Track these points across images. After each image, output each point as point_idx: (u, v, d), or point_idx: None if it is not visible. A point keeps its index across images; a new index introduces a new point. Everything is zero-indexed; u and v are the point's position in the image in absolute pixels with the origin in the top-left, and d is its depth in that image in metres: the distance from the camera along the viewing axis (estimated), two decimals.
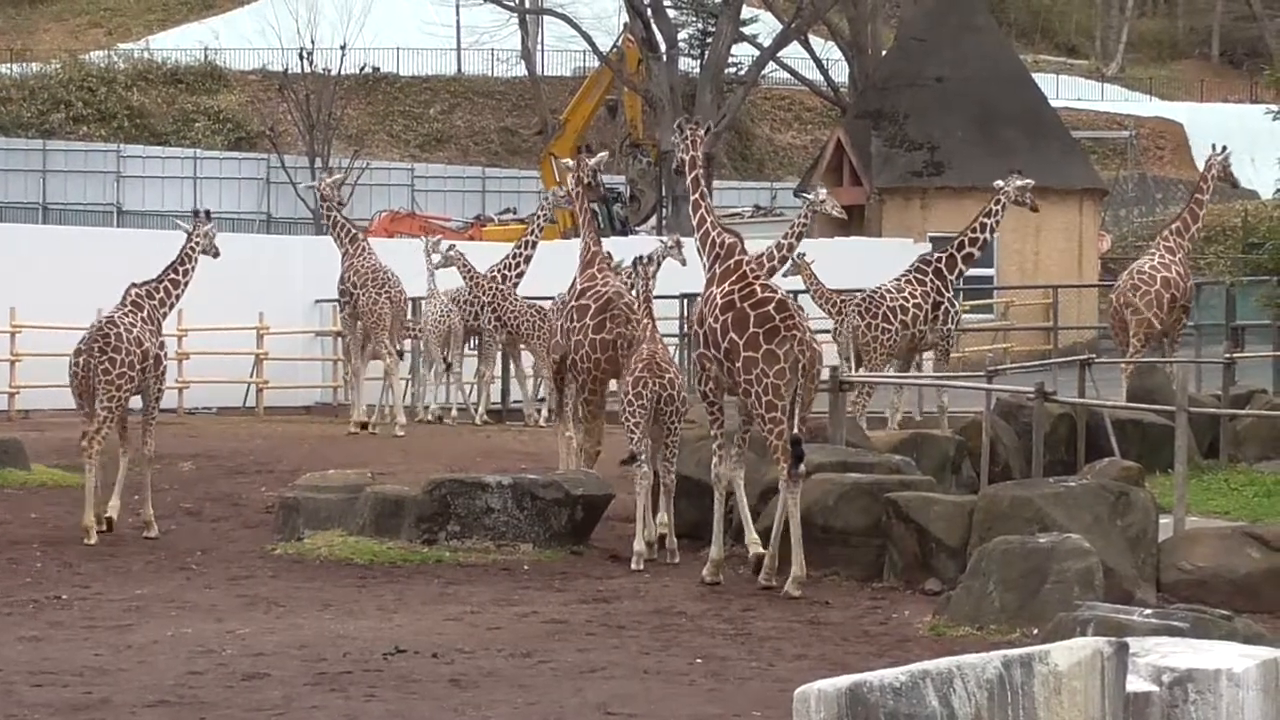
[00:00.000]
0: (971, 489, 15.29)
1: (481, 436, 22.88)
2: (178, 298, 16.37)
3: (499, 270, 24.38)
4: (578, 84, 56.31)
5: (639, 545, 14.18)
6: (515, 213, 54.89)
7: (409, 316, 24.27)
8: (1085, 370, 17.72)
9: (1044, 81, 53.95)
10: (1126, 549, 12.30)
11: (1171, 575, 12.33)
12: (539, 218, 22.76)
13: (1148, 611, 9.52)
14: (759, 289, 13.26)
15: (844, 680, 5.98)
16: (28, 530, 15.69)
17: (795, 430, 12.89)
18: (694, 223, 14.03)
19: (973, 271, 40.57)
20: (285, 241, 37.43)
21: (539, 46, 62.47)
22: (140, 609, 12.27)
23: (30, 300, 25.97)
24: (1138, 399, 18.41)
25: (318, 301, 29.87)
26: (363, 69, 60.05)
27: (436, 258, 24.83)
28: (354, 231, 23.32)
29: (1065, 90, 67.11)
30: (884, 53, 48.12)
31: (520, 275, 24.29)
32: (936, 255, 20.16)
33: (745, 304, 13.14)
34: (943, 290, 19.76)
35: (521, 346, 25.02)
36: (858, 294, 20.35)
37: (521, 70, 61.19)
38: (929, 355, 21.05)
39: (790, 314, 13.11)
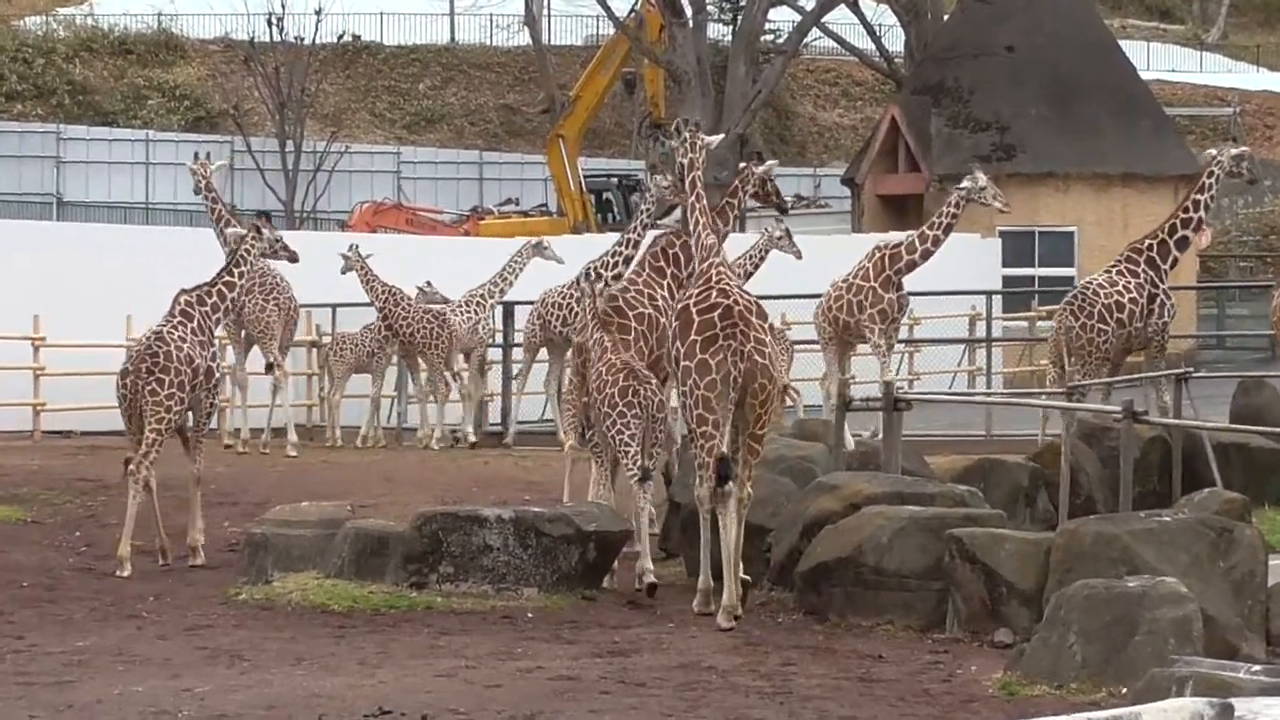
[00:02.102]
0: (1048, 524, 15.26)
1: (478, 463, 22.92)
2: (233, 302, 17.23)
3: (594, 269, 24.22)
4: (590, 55, 56.39)
5: (647, 562, 14.75)
6: (517, 204, 55.00)
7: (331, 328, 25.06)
8: (1182, 386, 17.68)
9: (1133, 50, 53.88)
10: (1230, 595, 12.27)
11: None
12: (643, 211, 22.75)
13: (1256, 668, 9.48)
14: (715, 293, 13.85)
15: None
16: None
17: (723, 448, 13.44)
18: (689, 225, 14.78)
19: (1050, 271, 40.65)
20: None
21: (545, 11, 62.55)
22: (83, 663, 12.28)
23: None
24: (1243, 419, 18.36)
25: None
26: (341, 37, 60.17)
27: (343, 263, 25.56)
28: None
29: (1158, 60, 67.04)
30: (945, 17, 48.12)
31: (617, 277, 23.88)
32: (1147, 242, 20.46)
33: (695, 309, 13.82)
34: (1157, 281, 20.14)
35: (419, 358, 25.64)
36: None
37: (525, 39, 61.23)
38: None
39: (734, 322, 13.62)
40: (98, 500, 19.45)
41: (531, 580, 14.44)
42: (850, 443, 17.51)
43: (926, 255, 20.52)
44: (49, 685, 11.56)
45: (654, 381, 15.25)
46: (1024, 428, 22.11)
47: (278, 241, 18.20)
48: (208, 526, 17.93)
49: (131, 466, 16.24)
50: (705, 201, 14.96)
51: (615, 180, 54.37)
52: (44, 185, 55.45)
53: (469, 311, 26.01)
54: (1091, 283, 20.38)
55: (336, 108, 59.90)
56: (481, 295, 26.14)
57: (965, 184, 20.40)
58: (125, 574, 15.83)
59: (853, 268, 20.91)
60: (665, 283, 17.06)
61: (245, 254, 17.31)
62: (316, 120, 57.65)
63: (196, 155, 26.23)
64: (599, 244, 26.26)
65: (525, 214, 52.42)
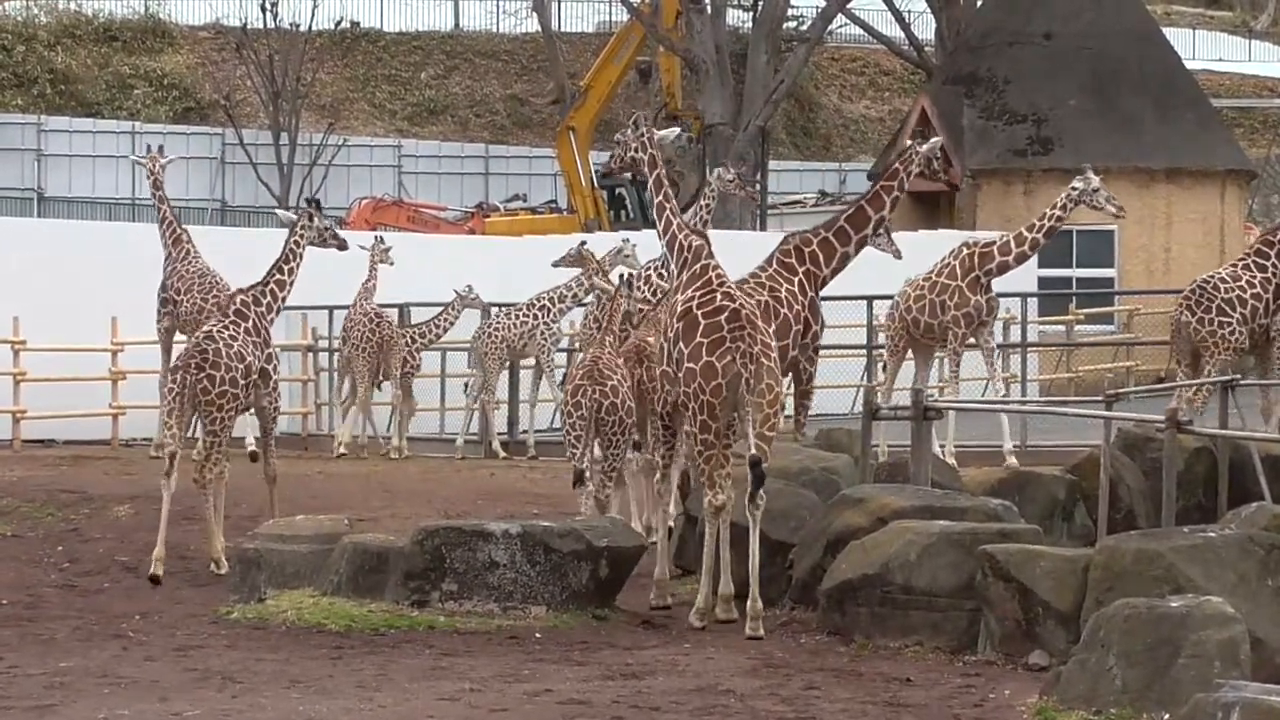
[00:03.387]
0: (1087, 540, 15.26)
1: (483, 474, 22.95)
2: (284, 300, 17.78)
3: (655, 270, 24.10)
4: (602, 43, 56.44)
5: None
6: (525, 200, 55.07)
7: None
8: (1228, 394, 17.68)
9: (1177, 38, 53.93)
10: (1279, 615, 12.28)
11: None
12: (704, 207, 22.69)
13: None
14: (719, 296, 14.44)
15: None
16: None
17: (754, 450, 14.05)
18: (660, 227, 15.20)
19: (1088, 272, 40.68)
20: (245, 235, 37.57)
21: None
22: (66, 685, 12.31)
23: None
24: None
25: (284, 309, 29.94)
26: (338, 24, 60.28)
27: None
28: (178, 231, 24.96)
29: (1204, 49, 67.02)
30: (979, 3, 48.13)
31: None
32: (1279, 233, 20.57)
33: (699, 311, 14.36)
34: None
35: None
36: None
37: (533, 25, 61.36)
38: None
39: (742, 325, 14.23)
40: (81, 513, 19.48)
41: (540, 598, 14.46)
42: (884, 452, 17.61)
43: (1022, 259, 20.66)
44: (29, 709, 11.60)
45: (612, 383, 16.11)
46: (1061, 438, 22.11)
47: (327, 230, 18.46)
48: (196, 542, 17.98)
49: (197, 473, 16.79)
50: (675, 202, 15.44)
51: (629, 175, 54.42)
52: (24, 180, 55.56)
53: (527, 315, 25.79)
54: (1214, 276, 20.56)
55: (333, 98, 59.99)
56: (550, 300, 25.90)
57: (1077, 184, 20.40)
58: (221, 572, 16.42)
59: (934, 265, 20.87)
60: (796, 279, 17.69)
61: (296, 245, 17.76)
62: (312, 111, 57.72)
63: (149, 148, 26.32)
64: (611, 242, 26.30)
65: (534, 211, 52.48)
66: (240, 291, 17.34)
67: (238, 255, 30.30)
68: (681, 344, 14.34)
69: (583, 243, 25.18)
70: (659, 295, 19.81)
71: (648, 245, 24.31)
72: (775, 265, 17.81)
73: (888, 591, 13.39)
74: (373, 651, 13.43)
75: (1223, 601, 11.49)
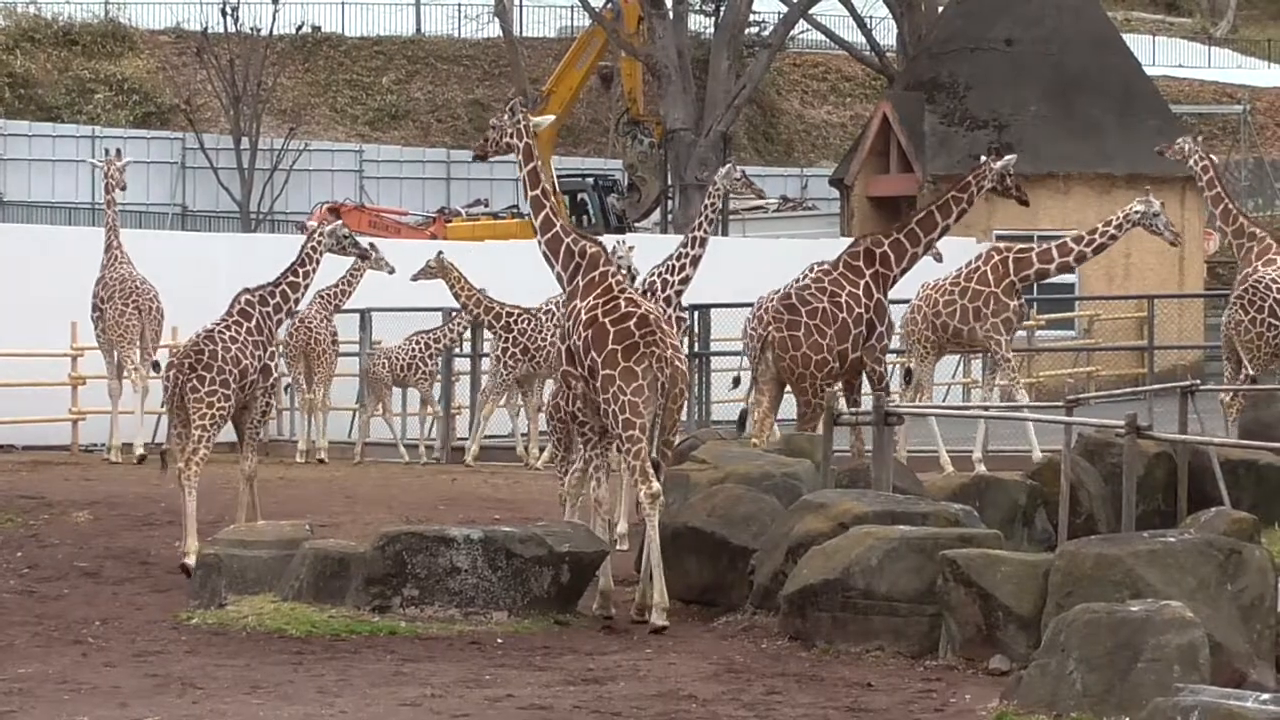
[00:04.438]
0: (1047, 545, 15.30)
1: (444, 480, 22.93)
2: (296, 303, 17.80)
3: (659, 276, 23.88)
4: (564, 48, 56.47)
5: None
6: (487, 205, 55.04)
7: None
8: (1188, 400, 17.74)
9: (1138, 44, 54.09)
10: (1238, 620, 12.32)
11: None
12: (708, 207, 22.48)
13: (1265, 697, 9.53)
14: (623, 303, 14.96)
15: None
16: None
17: (654, 454, 14.75)
18: (538, 223, 15.45)
19: (1050, 279, 40.66)
20: (206, 240, 37.53)
21: (517, 1, 62.59)
22: (25, 692, 12.27)
23: None
24: (1253, 435, 18.42)
25: None
26: (299, 28, 60.14)
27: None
28: (109, 238, 25.44)
29: (1164, 55, 67.23)
30: (940, 9, 48.26)
31: (685, 281, 22.39)
32: None
33: (606, 319, 14.86)
34: None
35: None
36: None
37: (495, 30, 61.29)
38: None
39: (653, 330, 14.84)
40: (40, 519, 19.41)
41: (501, 604, 14.46)
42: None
43: (1064, 269, 20.79)
44: None
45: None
46: (1021, 442, 22.17)
47: (347, 238, 18.39)
48: (156, 548, 17.94)
49: (179, 464, 16.85)
50: (554, 199, 15.82)
51: (591, 180, 54.44)
52: None
53: (535, 319, 25.08)
54: (1264, 276, 20.52)
55: (295, 103, 59.86)
56: (556, 305, 25.25)
57: (1138, 206, 20.41)
58: (190, 561, 16.31)
59: (960, 270, 20.81)
60: (863, 282, 18.07)
61: (313, 251, 17.76)
62: (273, 116, 57.58)
63: (107, 151, 26.46)
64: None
65: (495, 216, 52.47)
66: (246, 291, 17.41)
67: (199, 260, 30.37)
68: (594, 352, 14.82)
69: (440, 252, 25.29)
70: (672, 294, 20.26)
71: (643, 248, 24.29)
72: (841, 268, 18.20)
73: (849, 596, 13.41)
74: (334, 657, 13.41)
75: (1182, 606, 11.53)
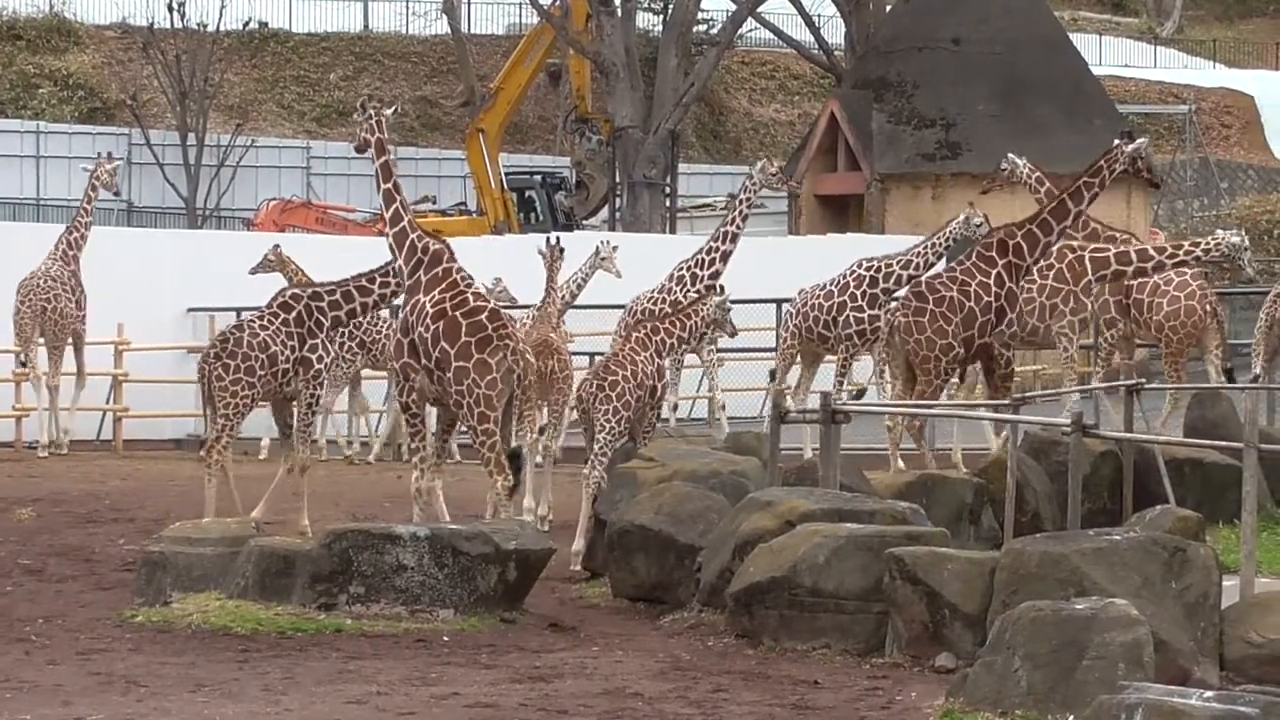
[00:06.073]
0: (994, 543, 15.35)
1: (391, 477, 22.88)
2: (361, 307, 17.70)
3: (688, 270, 23.23)
4: (512, 45, 56.39)
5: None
6: (434, 202, 54.90)
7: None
8: (1134, 398, 17.82)
9: (1084, 44, 54.31)
10: (1183, 617, 12.38)
11: (1237, 649, 12.41)
12: (742, 201, 22.20)
13: (1209, 694, 9.57)
14: (471, 297, 15.60)
15: None
16: None
17: (515, 444, 15.53)
18: (388, 217, 16.08)
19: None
20: (151, 237, 37.36)
21: None
22: None
23: None
24: (1197, 433, 18.52)
25: (191, 310, 29.79)
26: (246, 24, 59.99)
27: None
28: (63, 237, 26.13)
29: (1110, 55, 67.52)
30: (888, 8, 48.36)
31: (715, 276, 22.97)
32: None
33: (457, 313, 15.46)
34: None
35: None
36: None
37: (443, 27, 61.22)
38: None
39: (503, 323, 15.57)
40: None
41: (448, 601, 14.44)
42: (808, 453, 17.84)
43: (1140, 274, 20.98)
44: None
45: (612, 378, 17.09)
46: (967, 441, 22.20)
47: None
48: (101, 545, 17.87)
49: (203, 451, 17.35)
50: (404, 194, 16.47)
51: (539, 178, 54.39)
52: None
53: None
54: None
55: (242, 99, 59.67)
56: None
57: (1234, 239, 20.61)
58: None
59: (1039, 268, 20.82)
60: (994, 272, 18.47)
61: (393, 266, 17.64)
62: (220, 112, 57.40)
63: (99, 154, 26.55)
64: (520, 245, 26.25)
65: (443, 213, 52.36)
66: (295, 286, 17.70)
67: (144, 257, 30.24)
68: (445, 344, 15.40)
69: (276, 245, 25.34)
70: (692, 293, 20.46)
71: (628, 246, 24.34)
72: (974, 258, 18.66)
73: (796, 594, 13.42)
74: (279, 655, 13.38)
75: (1127, 604, 11.58)
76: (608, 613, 15.06)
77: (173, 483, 22.31)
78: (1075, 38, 49.60)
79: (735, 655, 13.40)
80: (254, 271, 24.88)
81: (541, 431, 18.93)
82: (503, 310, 15.84)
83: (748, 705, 11.83)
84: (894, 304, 20.38)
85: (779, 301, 26.77)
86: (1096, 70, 48.76)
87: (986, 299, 18.50)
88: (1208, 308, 21.97)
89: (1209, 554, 12.90)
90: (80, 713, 11.49)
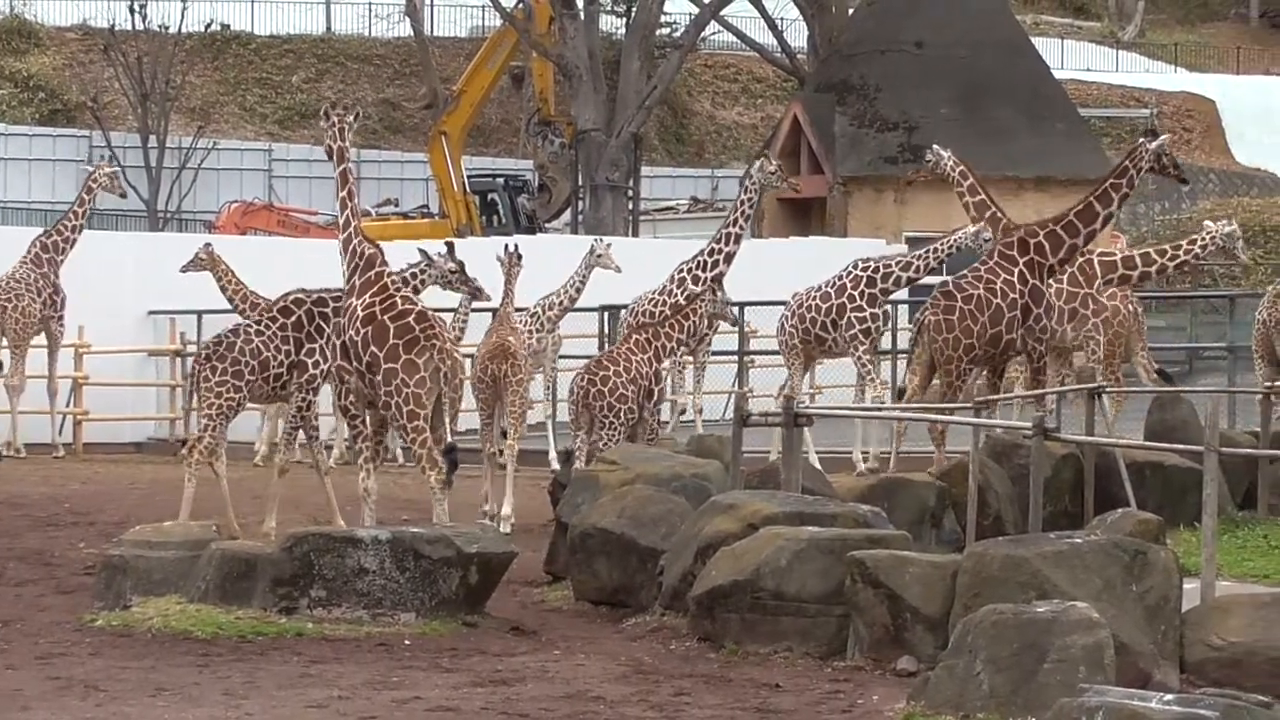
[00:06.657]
0: (956, 546, 15.37)
1: (353, 480, 22.80)
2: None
3: (688, 271, 22.80)
4: (475, 47, 56.38)
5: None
6: (397, 205, 54.91)
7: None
8: (1095, 401, 17.86)
9: (1046, 48, 54.44)
10: (1143, 620, 12.41)
11: (1198, 652, 12.44)
12: (743, 202, 21.95)
13: (1169, 697, 9.60)
14: (399, 301, 16.05)
15: None
16: None
17: (449, 438, 15.90)
18: (340, 221, 16.51)
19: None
20: (112, 239, 37.23)
21: (428, 1, 62.48)
22: None
23: None
24: (1158, 436, 18.56)
25: (152, 313, 29.74)
26: (208, 26, 59.87)
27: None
28: (41, 239, 26.51)
29: (1072, 59, 67.73)
30: (851, 11, 48.44)
31: (718, 277, 22.43)
32: None
33: (385, 316, 15.93)
34: None
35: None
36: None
37: (406, 30, 61.18)
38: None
39: (430, 324, 15.96)
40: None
41: (409, 605, 14.42)
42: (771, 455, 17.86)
43: (1145, 278, 21.30)
44: None
45: (604, 373, 17.97)
46: (929, 444, 22.24)
47: (455, 273, 18.11)
48: (60, 549, 17.80)
49: (184, 449, 17.55)
50: (356, 201, 16.87)
51: (501, 180, 54.38)
52: None
53: (529, 325, 23.60)
54: None
55: (203, 101, 59.55)
56: (541, 308, 23.96)
57: (1228, 228, 20.72)
58: None
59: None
60: (1016, 270, 18.67)
61: (411, 278, 17.84)
62: (182, 114, 57.27)
63: (100, 158, 26.81)
64: (482, 248, 26.20)
65: (405, 215, 52.35)
66: (299, 291, 17.73)
67: (104, 259, 30.15)
68: (374, 347, 15.84)
69: (207, 244, 25.48)
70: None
71: (622, 249, 24.35)
72: (996, 257, 18.83)
73: (758, 597, 13.43)
74: (240, 659, 13.34)
75: (1088, 607, 11.61)
76: (569, 616, 15.05)
77: (133, 486, 22.25)
78: (1037, 41, 49.73)
79: (697, 658, 13.40)
80: (184, 270, 25.10)
81: (504, 435, 18.97)
82: (428, 312, 16.16)
83: (710, 709, 11.83)
84: (924, 303, 20.52)
85: (743, 305, 26.80)
86: (1058, 74, 48.90)
87: (1012, 296, 18.70)
88: (1130, 308, 22.19)
89: (1170, 557, 12.94)
90: (39, 718, 11.44)
